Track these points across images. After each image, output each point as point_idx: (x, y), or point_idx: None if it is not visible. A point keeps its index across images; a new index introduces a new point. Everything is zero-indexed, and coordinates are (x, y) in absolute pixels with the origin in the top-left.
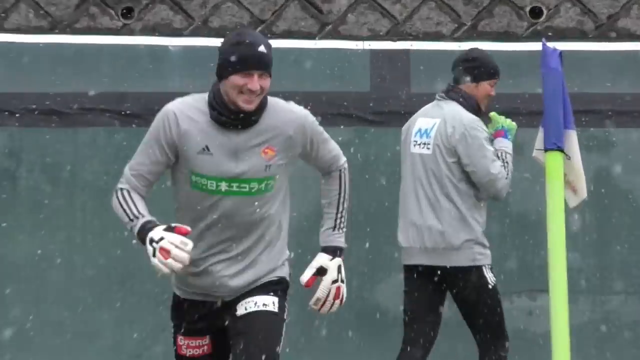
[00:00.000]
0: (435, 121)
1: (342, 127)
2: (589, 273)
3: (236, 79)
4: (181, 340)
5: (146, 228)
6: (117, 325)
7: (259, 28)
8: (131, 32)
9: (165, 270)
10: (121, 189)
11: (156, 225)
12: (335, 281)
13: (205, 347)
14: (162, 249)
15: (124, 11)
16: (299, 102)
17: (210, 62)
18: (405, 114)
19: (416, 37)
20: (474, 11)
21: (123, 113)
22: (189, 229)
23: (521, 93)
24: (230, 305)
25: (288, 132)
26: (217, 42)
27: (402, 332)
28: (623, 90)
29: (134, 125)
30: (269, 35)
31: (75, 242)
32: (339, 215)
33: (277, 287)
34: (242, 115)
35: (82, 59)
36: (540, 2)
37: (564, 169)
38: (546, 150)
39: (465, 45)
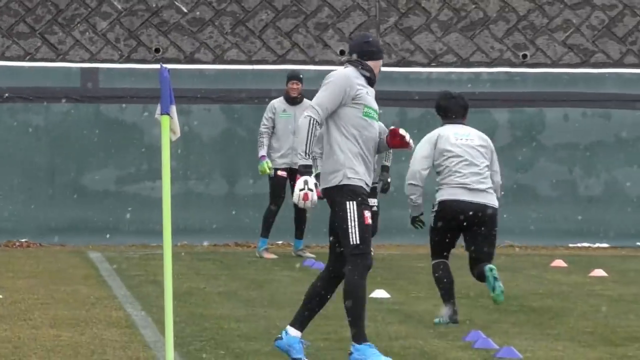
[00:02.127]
0: None
1: None
2: None
3: (380, 62)
4: (367, 213)
5: (306, 171)
6: None
7: None
8: None
9: (300, 204)
10: (314, 120)
11: (311, 173)
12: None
13: None
14: (306, 194)
15: None
16: None
17: None
18: None
19: None
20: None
21: None
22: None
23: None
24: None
25: None
26: None
27: None
28: None
29: None
30: None
31: None
32: None
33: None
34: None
35: None
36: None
37: (170, 124)
38: (162, 114)
39: None
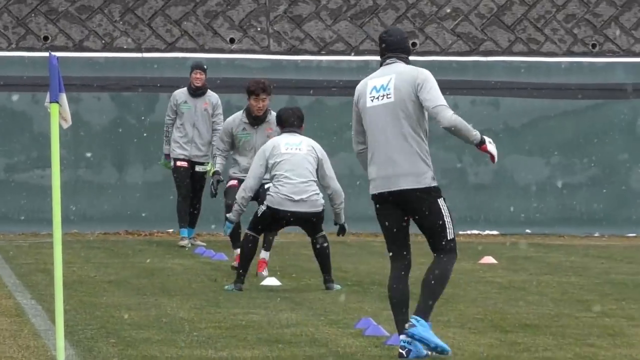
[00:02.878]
0: None
1: None
2: None
3: None
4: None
5: (481, 135)
6: None
7: None
8: None
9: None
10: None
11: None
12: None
13: None
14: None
15: None
16: None
17: None
18: None
19: None
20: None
21: None
22: None
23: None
24: None
25: None
26: None
27: None
28: None
29: None
30: None
31: None
32: None
33: None
34: None
35: None
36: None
37: (61, 112)
38: (51, 102)
39: None
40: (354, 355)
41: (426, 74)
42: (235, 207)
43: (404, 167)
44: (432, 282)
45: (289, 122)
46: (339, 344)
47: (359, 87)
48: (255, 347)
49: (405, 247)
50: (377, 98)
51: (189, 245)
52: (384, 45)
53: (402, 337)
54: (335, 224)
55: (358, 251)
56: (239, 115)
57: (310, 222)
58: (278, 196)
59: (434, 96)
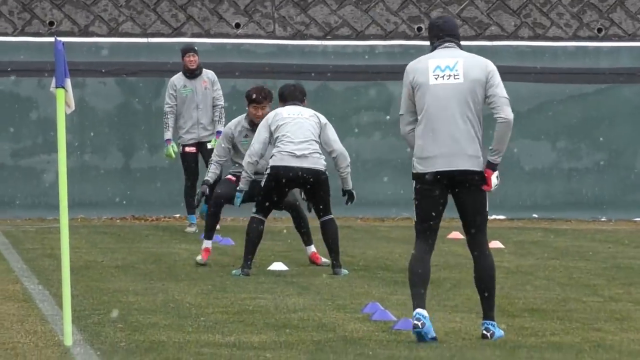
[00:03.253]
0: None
1: None
2: None
3: None
4: None
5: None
6: None
7: None
8: None
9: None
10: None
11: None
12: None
13: None
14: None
15: None
16: None
17: None
18: None
19: None
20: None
21: None
22: None
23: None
24: None
25: None
26: None
27: None
28: None
29: None
30: None
31: None
32: None
33: None
34: None
35: None
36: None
37: (65, 98)
38: (57, 87)
39: None
40: (362, 340)
41: (493, 65)
42: (244, 174)
43: (468, 148)
44: (489, 281)
45: (292, 96)
46: (346, 328)
47: (414, 65)
48: (262, 332)
49: (436, 229)
50: (442, 77)
51: (196, 231)
52: (440, 29)
53: (418, 310)
54: (343, 193)
55: (364, 236)
56: (241, 121)
57: (317, 186)
58: (280, 154)
59: (502, 88)
